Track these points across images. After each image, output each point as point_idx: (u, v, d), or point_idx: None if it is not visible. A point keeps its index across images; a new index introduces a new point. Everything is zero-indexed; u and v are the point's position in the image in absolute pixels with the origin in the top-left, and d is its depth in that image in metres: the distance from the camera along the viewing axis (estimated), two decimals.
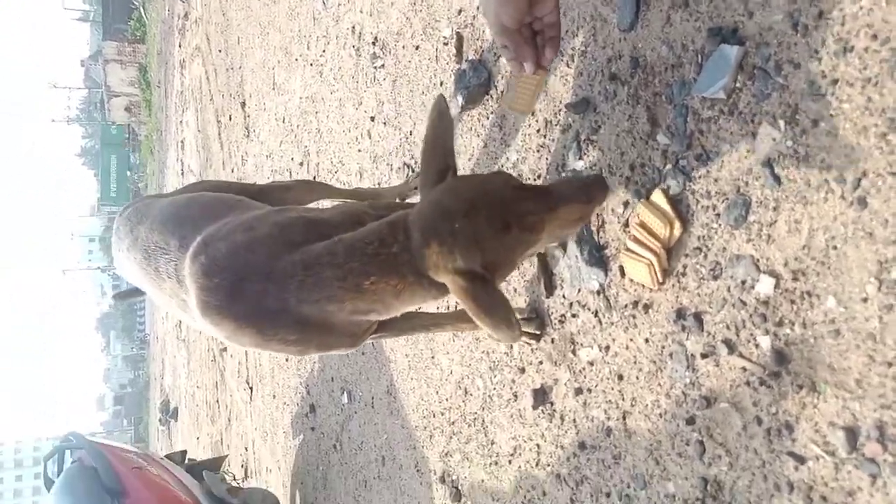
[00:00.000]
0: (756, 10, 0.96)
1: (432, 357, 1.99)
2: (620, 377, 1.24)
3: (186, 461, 4.20)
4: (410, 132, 2.13)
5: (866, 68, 0.82)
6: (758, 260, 0.97)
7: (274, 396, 4.12)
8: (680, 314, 1.10)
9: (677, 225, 1.08)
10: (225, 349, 5.91)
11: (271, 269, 1.14)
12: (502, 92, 1.61)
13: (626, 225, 1.22)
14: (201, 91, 7.52)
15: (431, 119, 1.15)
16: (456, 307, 1.75)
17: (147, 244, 1.37)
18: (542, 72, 1.14)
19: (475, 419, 1.75)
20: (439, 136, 1.15)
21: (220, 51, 6.12)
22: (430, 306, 1.43)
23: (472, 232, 1.01)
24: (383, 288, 1.10)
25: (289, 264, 1.14)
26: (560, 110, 1.39)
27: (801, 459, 0.91)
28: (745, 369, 0.99)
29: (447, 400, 1.90)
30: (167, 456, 4.03)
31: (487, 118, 1.67)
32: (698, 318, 1.07)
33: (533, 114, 1.47)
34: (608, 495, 1.27)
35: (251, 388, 4.83)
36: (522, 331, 1.07)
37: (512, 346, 1.56)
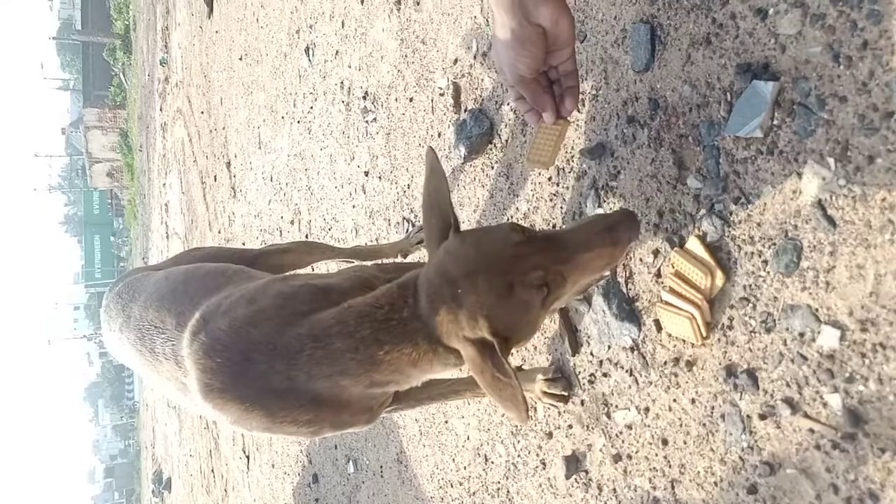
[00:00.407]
0: (788, 44, 0.89)
1: (445, 422, 1.88)
2: (665, 442, 1.14)
3: None
4: (408, 185, 2.06)
5: None
6: (816, 310, 0.88)
7: (273, 466, 3.95)
8: (730, 371, 1.01)
9: (719, 274, 1.00)
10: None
11: (277, 343, 1.05)
12: (506, 140, 1.54)
13: (659, 275, 1.13)
14: (184, 153, 7.48)
15: (426, 177, 1.09)
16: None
17: (141, 323, 1.27)
18: (563, 122, 1.07)
19: (499, 489, 1.63)
20: (433, 192, 1.08)
21: (202, 112, 6.10)
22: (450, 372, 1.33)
23: (473, 297, 0.94)
24: (398, 357, 1.01)
25: (296, 338, 1.05)
26: (573, 157, 1.32)
27: None
28: (812, 431, 0.89)
29: (465, 468, 1.78)
30: None
31: (492, 168, 1.60)
32: (752, 374, 0.98)
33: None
34: None
35: (248, 457, 4.65)
36: (528, 411, 0.97)
37: (536, 409, 1.46)
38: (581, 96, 1.28)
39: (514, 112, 1.50)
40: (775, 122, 0.92)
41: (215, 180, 5.47)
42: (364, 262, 1.69)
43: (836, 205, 0.85)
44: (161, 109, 9.87)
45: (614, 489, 1.25)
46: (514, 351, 1.53)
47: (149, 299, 1.30)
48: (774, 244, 0.93)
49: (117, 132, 21.82)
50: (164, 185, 10.01)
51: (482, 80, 1.62)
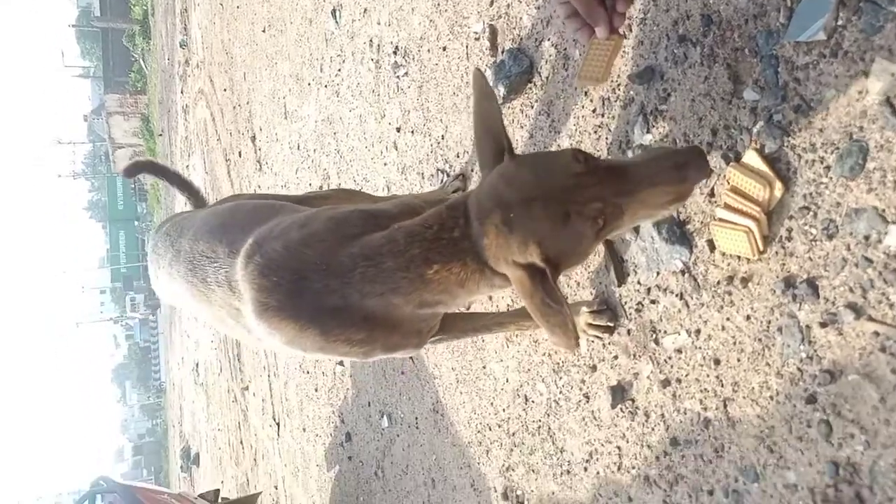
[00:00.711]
0: None
1: (483, 367, 1.88)
2: (717, 361, 1.13)
3: (220, 500, 4.07)
4: (442, 136, 2.05)
5: None
6: (883, 210, 0.87)
7: (304, 430, 4.00)
8: (789, 283, 1.00)
9: (778, 185, 0.99)
10: (247, 388, 5.79)
11: (331, 263, 1.06)
12: (546, 78, 1.53)
13: (712, 195, 1.12)
14: (206, 133, 7.51)
15: (475, 99, 1.08)
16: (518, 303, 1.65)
17: (192, 255, 1.28)
18: (617, 36, 1.06)
19: (539, 427, 1.63)
20: (484, 114, 1.07)
21: (225, 90, 6.11)
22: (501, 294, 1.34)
23: (527, 223, 0.93)
24: (447, 276, 1.03)
25: (348, 257, 1.06)
26: (619, 85, 1.30)
27: None
28: (877, 334, 0.88)
29: (504, 410, 1.79)
30: (200, 496, 3.91)
31: (532, 107, 1.58)
32: (812, 284, 0.96)
33: (586, 93, 1.39)
34: (710, 493, 1.15)
35: (278, 425, 4.70)
36: (577, 338, 0.97)
37: (579, 344, 1.46)
38: (628, 21, 1.27)
39: (550, 24, 1.48)
40: (840, 22, 0.90)
41: (240, 156, 5.50)
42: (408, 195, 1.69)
43: None
44: (182, 92, 9.91)
45: (662, 414, 1.25)
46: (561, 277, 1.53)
47: (198, 232, 1.31)
48: (838, 148, 0.92)
49: (139, 117, 21.99)
50: (187, 166, 10.09)
51: (520, 17, 1.60)
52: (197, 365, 9.89)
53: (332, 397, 3.40)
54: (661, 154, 0.94)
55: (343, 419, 3.27)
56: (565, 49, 1.45)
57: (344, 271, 1.05)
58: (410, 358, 2.43)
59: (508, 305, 1.73)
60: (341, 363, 3.23)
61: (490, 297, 1.80)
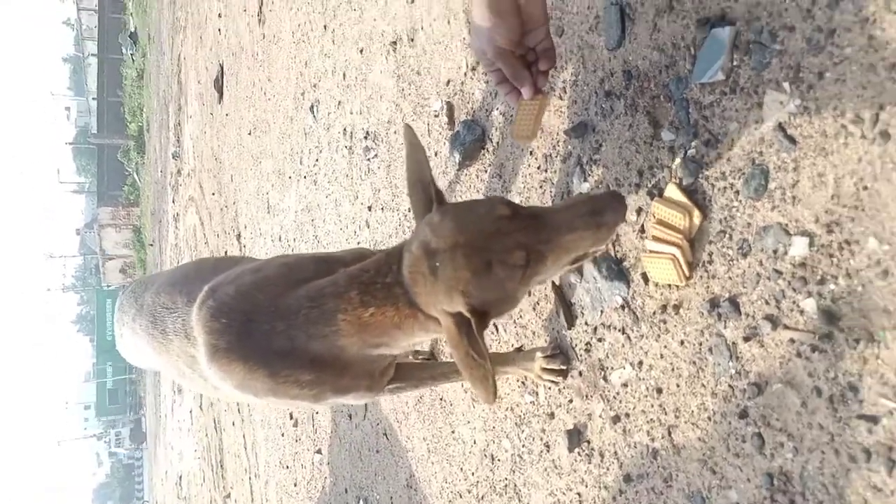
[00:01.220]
0: None
1: (452, 432, 1.88)
2: (659, 391, 1.16)
3: None
4: (409, 209, 2.14)
5: (861, 11, 0.84)
6: (786, 225, 0.94)
7: None
8: (713, 304, 1.05)
9: (696, 213, 1.07)
10: (229, 496, 5.60)
11: (279, 305, 1.10)
12: (497, 143, 1.64)
13: (643, 231, 1.19)
14: (195, 238, 7.65)
15: (407, 153, 1.15)
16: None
17: (153, 307, 1.33)
18: (542, 97, 1.16)
19: (506, 486, 1.62)
20: (414, 166, 1.13)
21: (213, 194, 6.29)
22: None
23: (451, 272, 0.96)
24: (382, 320, 1.07)
25: (295, 300, 1.11)
26: (558, 142, 1.41)
27: (873, 420, 0.84)
28: (793, 341, 0.93)
29: (473, 474, 1.78)
30: None
31: (486, 171, 1.68)
32: (734, 302, 1.02)
33: (532, 153, 1.49)
34: None
35: None
36: (496, 392, 1.00)
37: (538, 393, 1.48)
38: (562, 84, 1.39)
39: (498, 95, 1.60)
40: (734, 62, 1.01)
41: (226, 255, 5.59)
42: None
43: (795, 124, 0.93)
44: (173, 201, 10.15)
45: (615, 452, 1.26)
46: (500, 328, 1.57)
47: (160, 287, 1.37)
48: (744, 174, 1.00)
49: (130, 228, 22.30)
50: None
51: (473, 93, 1.74)
52: (180, 478, 9.56)
53: (311, 490, 3.32)
54: (580, 201, 0.98)
55: None
56: (512, 115, 1.57)
57: (290, 313, 1.09)
58: (384, 435, 2.42)
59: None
60: (319, 451, 3.19)
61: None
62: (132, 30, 20.78)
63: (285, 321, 1.09)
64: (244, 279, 1.16)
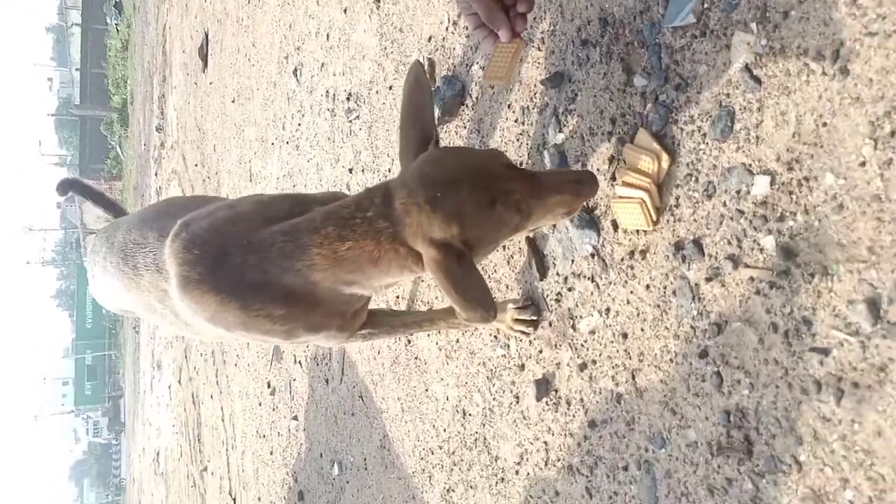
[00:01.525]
0: None
1: (426, 390, 1.90)
2: (625, 336, 1.18)
3: None
4: (389, 169, 2.14)
5: None
6: (749, 165, 0.96)
7: (259, 499, 3.88)
8: (678, 246, 1.07)
9: (664, 157, 1.08)
10: (206, 469, 5.61)
11: (252, 239, 1.11)
12: (476, 98, 1.64)
13: (614, 179, 1.21)
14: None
15: (408, 86, 1.15)
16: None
17: (124, 244, 1.32)
18: (518, 41, 1.16)
19: (476, 440, 1.64)
20: (417, 102, 1.14)
21: (196, 165, 6.24)
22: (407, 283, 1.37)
23: (453, 203, 0.99)
24: (359, 254, 1.06)
25: (269, 234, 1.11)
26: (535, 94, 1.41)
27: (824, 352, 0.86)
28: (752, 279, 0.95)
29: (445, 430, 1.80)
30: None
31: (465, 127, 1.69)
32: (697, 243, 1.04)
33: (509, 106, 1.50)
34: (625, 468, 1.18)
35: (234, 500, 4.55)
36: (496, 308, 1.02)
37: (509, 346, 1.50)
38: (540, 35, 1.39)
39: (478, 49, 1.60)
40: (705, 4, 1.01)
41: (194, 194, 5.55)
42: None
43: (760, 63, 0.94)
44: (156, 174, 10.05)
45: (581, 399, 1.28)
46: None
47: (131, 224, 1.36)
48: (711, 116, 1.02)
49: None
50: None
51: (454, 48, 1.73)
52: (157, 454, 9.57)
53: (287, 457, 3.34)
54: (565, 171, 1.09)
55: (296, 478, 3.20)
56: (482, 41, 1.57)
57: (264, 247, 1.10)
58: (360, 398, 2.43)
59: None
60: (295, 418, 3.20)
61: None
62: None
63: (258, 255, 1.09)
64: (218, 214, 1.17)
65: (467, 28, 1.62)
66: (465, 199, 0.99)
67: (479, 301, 1.00)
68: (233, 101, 4.59)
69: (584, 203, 1.24)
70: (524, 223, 1.04)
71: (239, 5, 4.22)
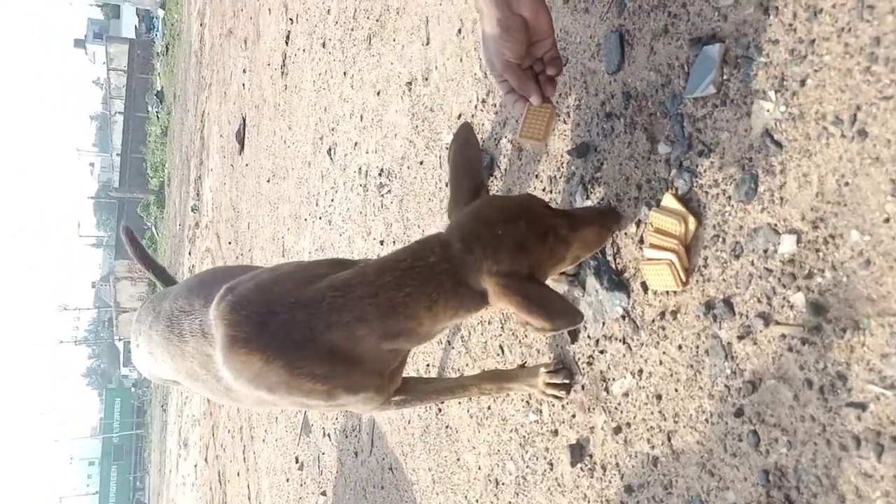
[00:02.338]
0: (729, 12, 1.07)
1: (457, 459, 1.89)
2: (659, 397, 1.19)
3: None
4: None
5: (837, 21, 0.91)
6: (775, 225, 0.99)
7: None
8: (709, 306, 1.09)
9: (691, 219, 1.11)
10: None
11: (299, 297, 1.14)
12: (505, 170, 1.71)
13: (642, 241, 1.24)
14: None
15: (457, 144, 1.24)
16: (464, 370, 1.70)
17: (171, 312, 1.37)
18: (549, 106, 1.22)
19: None
20: (468, 157, 1.24)
21: (229, 243, 6.40)
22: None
23: (516, 238, 1.09)
24: (417, 299, 1.10)
25: (317, 290, 1.14)
26: (562, 164, 1.47)
27: (861, 406, 0.86)
28: (784, 336, 0.96)
29: (477, 501, 1.77)
30: None
31: None
32: (728, 302, 1.06)
33: (537, 176, 1.55)
34: None
35: None
36: (582, 315, 1.12)
37: (541, 411, 1.50)
38: (566, 109, 1.46)
39: (506, 125, 1.67)
40: (725, 76, 1.07)
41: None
42: None
43: (781, 129, 0.98)
44: (190, 253, 10.29)
45: (617, 464, 1.27)
46: (506, 348, 1.60)
47: (178, 293, 1.42)
48: (735, 179, 1.05)
49: (146, 282, 22.51)
50: None
51: (483, 124, 1.82)
52: None
53: None
54: (591, 207, 1.24)
55: None
56: (518, 143, 1.64)
57: (311, 303, 1.12)
58: (390, 470, 2.41)
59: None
60: (324, 493, 3.16)
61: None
62: (159, 89, 21.50)
63: (306, 311, 1.11)
64: (262, 276, 1.21)
65: (497, 104, 1.70)
66: (524, 232, 1.09)
67: (564, 309, 1.09)
68: (268, 181, 4.75)
69: (610, 242, 1.31)
70: (565, 253, 1.15)
71: (276, 91, 4.44)
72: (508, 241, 1.08)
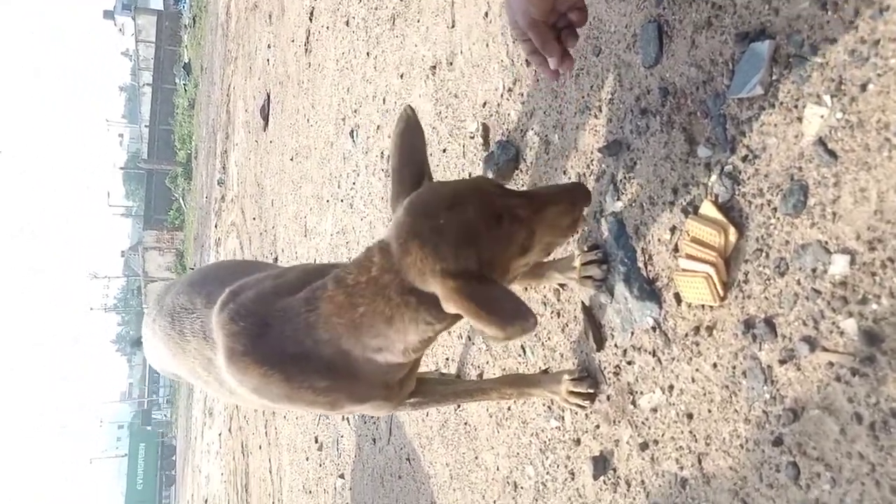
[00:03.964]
0: (781, 6, 0.97)
1: (476, 457, 1.84)
2: (690, 416, 1.12)
3: None
4: None
5: None
6: (826, 242, 0.90)
7: None
8: (748, 325, 1.01)
9: (732, 231, 1.03)
10: None
11: (287, 310, 1.08)
12: (531, 163, 1.63)
13: (676, 250, 1.16)
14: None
15: (399, 131, 1.09)
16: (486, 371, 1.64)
17: (173, 308, 1.33)
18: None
19: None
20: (410, 143, 1.09)
21: (254, 219, 6.40)
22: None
23: (460, 225, 0.94)
24: (374, 317, 1.01)
25: (294, 302, 1.07)
26: (592, 161, 1.39)
27: None
28: (832, 364, 0.89)
29: (495, 502, 1.72)
30: None
31: None
32: (770, 323, 0.98)
33: (565, 172, 1.47)
34: None
35: None
36: (534, 316, 0.91)
37: (564, 418, 1.44)
38: (598, 103, 1.37)
39: (545, 123, 1.59)
40: (774, 76, 0.98)
41: (243, 259, 5.64)
42: None
43: (836, 138, 0.90)
44: (216, 226, 10.35)
45: (642, 481, 1.21)
46: (528, 350, 1.53)
47: (181, 288, 1.37)
48: (782, 190, 0.97)
49: (173, 252, 22.80)
50: None
51: (509, 113, 1.73)
52: (206, 501, 9.58)
53: None
54: (554, 186, 1.10)
55: None
56: (546, 136, 1.56)
57: (291, 316, 1.06)
58: (408, 460, 2.38)
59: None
60: (342, 476, 3.15)
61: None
62: (186, 61, 21.54)
63: (290, 325, 1.06)
64: (265, 284, 1.16)
65: (521, 54, 1.62)
66: (471, 220, 0.94)
67: (517, 312, 0.90)
68: (291, 159, 4.71)
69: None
70: (530, 241, 1.00)
71: (300, 69, 4.37)
72: (450, 233, 0.92)
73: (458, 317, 0.99)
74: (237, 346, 1.09)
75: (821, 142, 0.91)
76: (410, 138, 1.09)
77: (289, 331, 1.06)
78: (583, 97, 1.41)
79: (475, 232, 0.94)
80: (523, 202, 0.99)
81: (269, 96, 5.62)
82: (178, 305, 1.31)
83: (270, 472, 4.96)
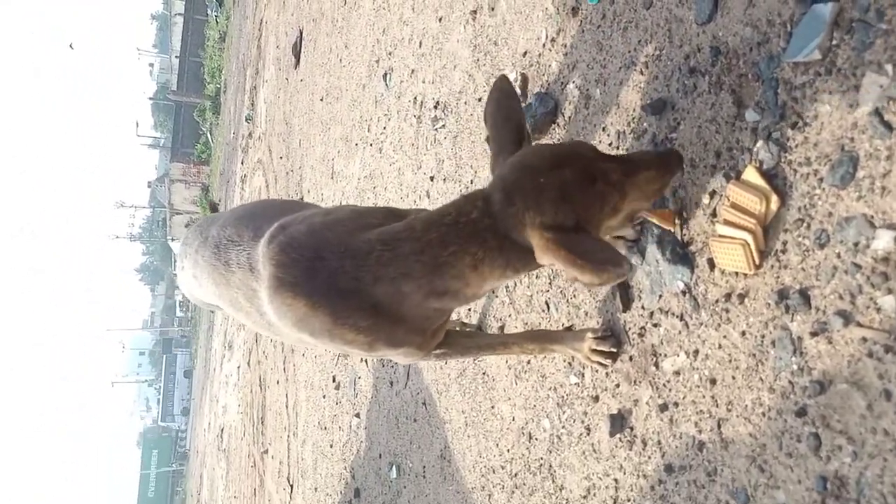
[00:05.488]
0: None
1: (492, 407, 1.87)
2: (713, 381, 1.12)
3: None
4: (471, 181, 2.12)
5: None
6: (871, 216, 0.88)
7: (316, 489, 3.94)
8: (782, 295, 1.00)
9: (774, 199, 1.01)
10: (266, 451, 5.74)
11: (349, 246, 1.10)
12: (569, 118, 1.60)
13: (714, 215, 1.15)
14: (260, 198, 7.76)
15: (495, 97, 1.16)
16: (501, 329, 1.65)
17: (218, 239, 1.35)
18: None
19: (541, 466, 1.60)
20: (507, 108, 1.16)
21: (281, 157, 6.40)
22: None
23: (559, 185, 1.00)
24: (462, 258, 1.05)
25: (366, 242, 1.10)
26: (633, 119, 1.36)
27: None
28: (865, 339, 0.88)
29: (508, 451, 1.76)
30: None
31: None
32: (804, 294, 0.97)
33: (604, 128, 1.45)
34: None
35: (292, 486, 4.64)
36: (630, 264, 1.00)
37: (584, 375, 1.45)
38: (644, 60, 1.34)
39: (586, 77, 1.56)
40: (834, 41, 0.95)
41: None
42: None
43: (894, 109, 0.87)
44: (242, 163, 10.37)
45: (659, 441, 1.22)
46: (552, 306, 1.53)
47: (227, 221, 1.39)
48: (830, 160, 0.94)
49: (199, 186, 22.96)
50: None
51: (549, 64, 1.70)
52: (222, 430, 9.88)
53: (346, 452, 3.37)
54: (648, 152, 1.12)
55: (354, 475, 3.22)
56: (587, 90, 1.53)
57: (361, 254, 1.09)
58: (424, 405, 2.42)
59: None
60: (357, 415, 3.22)
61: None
62: None
63: (354, 261, 1.08)
64: (315, 219, 1.17)
65: (567, 54, 1.58)
66: (569, 180, 1.01)
67: (610, 259, 0.97)
68: (321, 100, 4.67)
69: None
70: (621, 202, 1.06)
71: (335, 6, 4.30)
72: (551, 190, 1.00)
73: (536, 266, 1.07)
74: (287, 277, 1.11)
75: (877, 112, 0.89)
76: (507, 103, 1.16)
77: (349, 266, 1.08)
78: (629, 52, 1.37)
79: (572, 191, 1.01)
80: (617, 166, 1.04)
81: (301, 33, 5.55)
82: (225, 237, 1.33)
83: (287, 406, 5.08)
